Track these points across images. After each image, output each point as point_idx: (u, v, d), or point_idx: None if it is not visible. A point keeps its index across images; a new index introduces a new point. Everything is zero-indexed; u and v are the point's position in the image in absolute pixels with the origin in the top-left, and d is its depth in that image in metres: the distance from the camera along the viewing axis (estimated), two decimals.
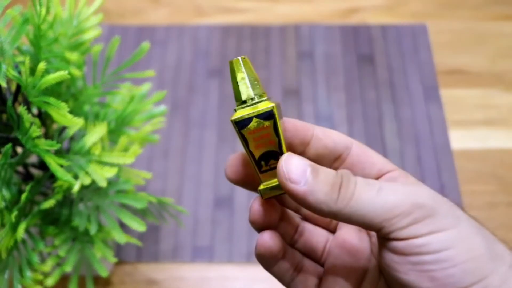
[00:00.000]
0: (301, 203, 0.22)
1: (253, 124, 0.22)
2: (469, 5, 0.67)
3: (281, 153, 0.23)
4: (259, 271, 0.50)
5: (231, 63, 0.23)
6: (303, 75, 0.62)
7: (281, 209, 0.25)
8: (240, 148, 0.27)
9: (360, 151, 0.25)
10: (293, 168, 0.22)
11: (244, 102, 0.23)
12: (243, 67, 0.23)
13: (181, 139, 0.58)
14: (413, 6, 0.68)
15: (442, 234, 0.21)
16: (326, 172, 0.22)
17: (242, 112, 0.22)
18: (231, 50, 0.64)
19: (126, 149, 0.39)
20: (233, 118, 0.22)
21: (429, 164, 0.55)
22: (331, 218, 0.22)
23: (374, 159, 0.25)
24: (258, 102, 0.23)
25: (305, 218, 0.27)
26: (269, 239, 0.24)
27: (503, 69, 0.62)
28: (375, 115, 0.59)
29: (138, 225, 0.37)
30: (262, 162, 0.23)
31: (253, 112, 0.22)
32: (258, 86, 0.23)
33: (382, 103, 0.60)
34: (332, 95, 0.61)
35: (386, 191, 0.21)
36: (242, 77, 0.23)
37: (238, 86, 0.23)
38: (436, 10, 0.67)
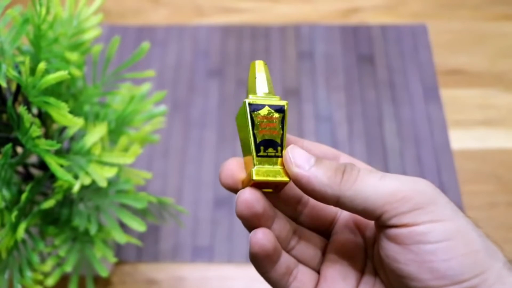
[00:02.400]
0: (305, 187, 0.23)
1: (264, 111, 0.24)
2: (469, 5, 0.67)
3: (281, 145, 0.24)
4: None
5: (253, 63, 0.26)
6: (303, 75, 0.62)
7: (275, 210, 0.25)
8: (239, 151, 0.28)
9: (348, 161, 0.26)
10: (298, 156, 0.23)
11: (259, 95, 0.25)
12: (264, 69, 0.26)
13: (181, 139, 0.58)
14: (413, 6, 0.68)
15: (442, 224, 0.21)
16: (329, 161, 0.23)
17: (257, 99, 0.25)
18: (231, 50, 0.64)
19: (126, 149, 0.39)
20: (249, 100, 0.24)
21: (429, 164, 0.55)
22: (333, 204, 0.23)
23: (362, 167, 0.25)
24: (271, 98, 0.25)
25: (303, 224, 0.27)
26: (262, 237, 0.23)
27: (503, 69, 0.62)
28: (375, 115, 0.59)
29: (138, 225, 0.37)
30: (261, 147, 0.24)
31: (267, 102, 0.25)
32: (272, 88, 0.26)
33: (382, 103, 0.60)
34: (332, 95, 0.61)
35: (389, 178, 0.22)
36: (262, 76, 0.26)
37: (255, 81, 0.26)
38: (436, 10, 0.67)
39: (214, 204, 0.54)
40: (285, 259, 0.25)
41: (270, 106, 0.24)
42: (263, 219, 0.24)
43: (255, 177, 0.23)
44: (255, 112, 0.24)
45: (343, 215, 0.27)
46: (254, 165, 0.24)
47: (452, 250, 0.21)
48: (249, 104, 0.24)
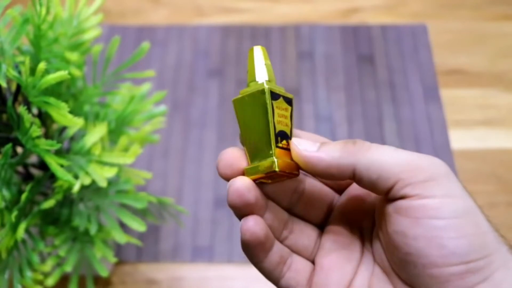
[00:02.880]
0: (318, 166, 0.22)
1: (280, 101, 0.23)
2: (469, 5, 0.67)
3: (290, 137, 0.24)
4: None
5: (251, 50, 0.24)
6: (303, 75, 0.62)
7: (267, 200, 0.25)
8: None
9: None
10: (303, 142, 0.23)
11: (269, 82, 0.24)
12: (262, 55, 0.24)
13: (181, 139, 0.58)
14: (413, 6, 0.68)
15: (454, 201, 0.21)
16: (335, 142, 0.23)
17: (274, 88, 0.23)
18: (231, 50, 0.64)
19: (126, 149, 0.39)
20: (268, 87, 0.23)
21: None
22: (348, 176, 0.22)
23: None
24: (280, 88, 0.24)
25: (298, 214, 0.26)
26: (253, 224, 0.23)
27: (503, 69, 0.62)
28: (375, 115, 0.59)
29: (138, 225, 0.37)
30: (279, 138, 0.23)
31: (281, 92, 0.24)
32: (273, 75, 0.25)
33: (382, 103, 0.60)
34: (332, 95, 0.61)
35: (402, 150, 0.22)
36: (263, 62, 0.24)
37: (255, 68, 0.24)
38: (436, 10, 0.67)
39: (214, 204, 0.54)
40: (278, 249, 0.24)
41: (284, 97, 0.24)
42: (255, 208, 0.23)
43: (277, 168, 0.22)
44: (274, 101, 0.23)
45: (338, 206, 0.26)
46: (272, 155, 0.23)
47: (462, 228, 0.21)
48: (271, 92, 0.23)
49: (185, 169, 0.56)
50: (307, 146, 0.23)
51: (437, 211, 0.21)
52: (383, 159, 0.22)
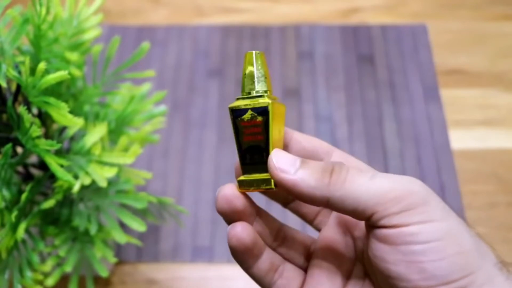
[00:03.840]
0: (292, 192, 0.22)
1: (247, 115, 0.23)
2: (469, 5, 0.67)
3: (267, 151, 0.23)
4: None
5: (245, 55, 0.24)
6: (303, 75, 0.62)
7: (257, 207, 0.25)
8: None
9: (341, 158, 0.25)
10: (282, 160, 0.22)
11: (248, 93, 0.23)
12: (255, 62, 0.24)
13: (181, 139, 0.58)
14: (413, 6, 0.68)
15: (432, 225, 0.21)
16: (315, 162, 0.22)
17: (240, 102, 0.23)
18: (231, 50, 0.64)
19: (126, 149, 0.39)
20: (231, 105, 0.23)
21: (429, 164, 0.55)
22: (323, 205, 0.22)
23: (355, 165, 0.25)
24: (259, 97, 0.23)
25: (295, 211, 0.27)
26: (241, 230, 0.23)
27: (503, 69, 0.62)
28: (375, 115, 0.59)
29: (138, 225, 0.37)
30: (247, 155, 0.23)
31: (250, 104, 0.23)
32: (264, 82, 0.23)
33: (382, 103, 0.60)
34: (332, 95, 0.61)
35: (379, 177, 0.22)
36: (251, 70, 0.23)
37: (244, 78, 0.23)
38: (436, 10, 0.67)
39: (214, 204, 0.54)
40: (269, 256, 0.24)
41: (253, 109, 0.22)
42: (243, 215, 0.23)
43: (239, 189, 0.23)
44: (239, 119, 0.23)
45: (332, 214, 0.26)
46: (241, 173, 0.23)
47: (442, 250, 0.20)
48: (232, 110, 0.23)
49: (185, 169, 0.56)
50: (285, 165, 0.22)
51: (415, 236, 0.21)
52: (358, 192, 0.21)
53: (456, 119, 0.59)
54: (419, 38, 0.65)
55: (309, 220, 0.27)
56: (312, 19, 0.67)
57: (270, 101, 0.22)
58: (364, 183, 0.21)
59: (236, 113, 0.23)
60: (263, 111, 0.22)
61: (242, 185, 0.23)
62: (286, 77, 0.62)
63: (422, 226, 0.21)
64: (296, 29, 0.66)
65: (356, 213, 0.22)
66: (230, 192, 0.23)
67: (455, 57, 0.63)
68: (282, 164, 0.22)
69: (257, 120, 0.22)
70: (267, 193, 0.26)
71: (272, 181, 0.23)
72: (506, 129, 0.58)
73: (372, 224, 0.22)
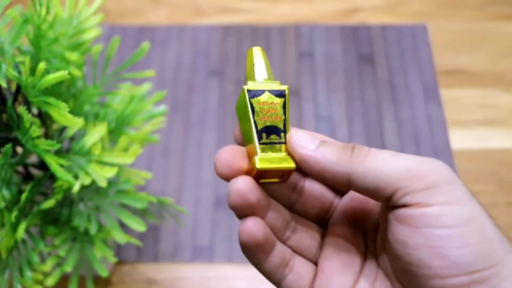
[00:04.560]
0: (313, 168, 0.22)
1: (264, 96, 0.23)
2: (469, 5, 0.67)
3: (284, 131, 0.23)
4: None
5: (250, 50, 0.25)
6: (303, 75, 0.62)
7: (269, 199, 0.24)
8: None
9: None
10: (302, 137, 0.22)
11: (259, 80, 0.24)
12: (262, 56, 0.25)
13: (181, 139, 0.58)
14: (413, 6, 0.68)
15: (457, 208, 0.20)
16: (335, 141, 0.22)
17: (257, 85, 0.24)
18: (231, 50, 0.64)
19: (126, 149, 0.39)
20: (247, 86, 0.23)
21: None
22: (343, 184, 0.21)
23: None
24: (271, 83, 0.24)
25: (298, 213, 0.26)
26: (252, 226, 0.22)
27: (503, 69, 0.62)
28: (375, 115, 0.59)
29: (138, 225, 0.37)
30: (264, 134, 0.23)
31: (267, 87, 0.24)
32: (271, 73, 0.25)
33: (382, 103, 0.60)
34: (332, 95, 0.61)
35: (401, 155, 0.21)
36: (261, 62, 0.25)
37: (254, 67, 0.24)
38: (436, 10, 0.67)
39: (214, 204, 0.54)
40: (280, 250, 0.23)
41: (270, 91, 0.23)
42: (257, 209, 0.22)
43: (258, 165, 0.22)
44: (255, 99, 0.23)
45: (340, 205, 0.26)
46: (257, 153, 0.22)
47: (466, 237, 0.19)
48: (248, 90, 0.23)
49: (185, 169, 0.56)
50: (305, 142, 0.22)
51: (439, 219, 0.20)
52: (380, 167, 0.21)
53: (456, 119, 0.59)
54: (419, 38, 0.65)
55: (313, 221, 0.27)
56: (312, 19, 0.67)
57: (287, 86, 0.24)
58: (387, 160, 0.21)
59: (251, 93, 0.23)
60: (281, 94, 0.24)
61: (262, 162, 0.22)
62: (286, 77, 0.62)
63: (446, 208, 0.20)
64: (296, 29, 0.66)
65: (378, 191, 0.21)
66: (243, 185, 0.22)
67: (455, 57, 0.63)
68: (303, 141, 0.22)
69: (275, 101, 0.23)
70: (273, 191, 0.25)
71: (291, 160, 0.23)
72: (506, 129, 0.58)
73: (393, 204, 0.21)
